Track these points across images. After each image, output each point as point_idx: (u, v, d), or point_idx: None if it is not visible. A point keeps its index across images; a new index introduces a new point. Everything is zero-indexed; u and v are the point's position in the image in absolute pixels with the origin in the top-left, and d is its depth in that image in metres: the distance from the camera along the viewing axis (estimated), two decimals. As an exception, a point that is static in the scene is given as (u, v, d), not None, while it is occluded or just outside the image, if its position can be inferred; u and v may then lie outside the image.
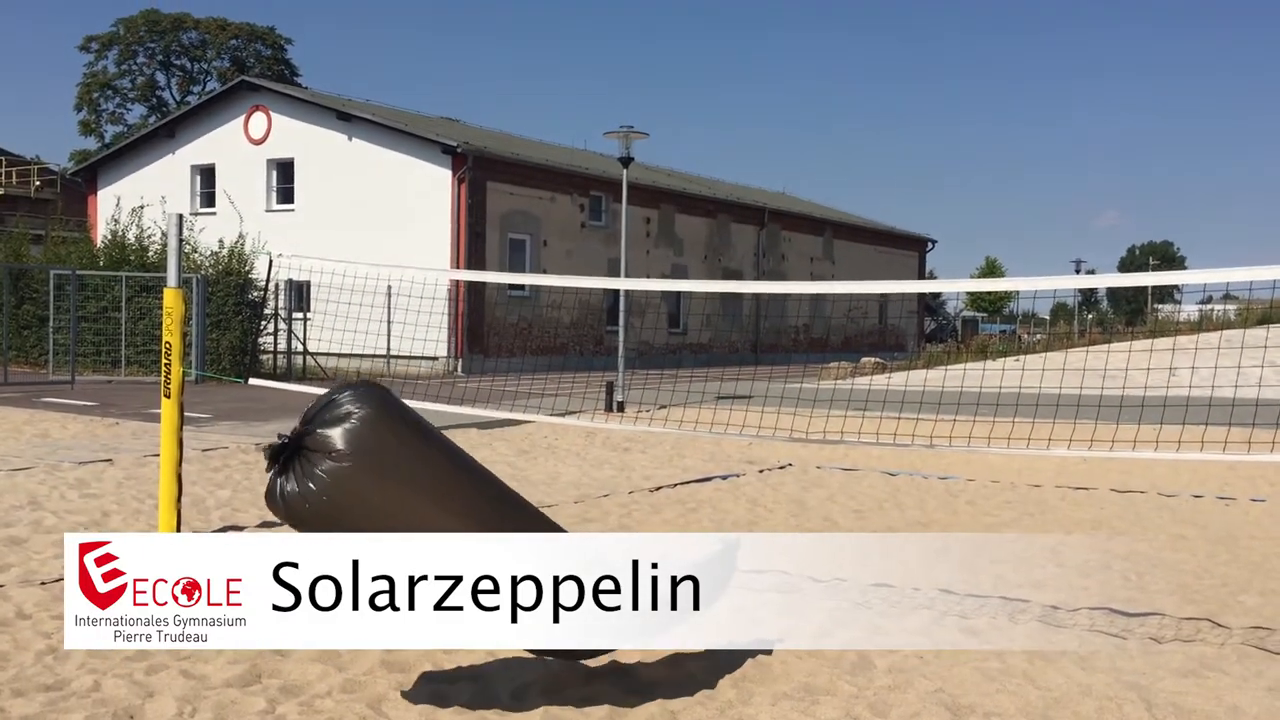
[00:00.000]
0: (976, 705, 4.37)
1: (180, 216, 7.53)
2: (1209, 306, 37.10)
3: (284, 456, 3.83)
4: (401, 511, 3.85)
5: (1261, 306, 27.55)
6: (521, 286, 31.71)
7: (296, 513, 3.81)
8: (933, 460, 12.22)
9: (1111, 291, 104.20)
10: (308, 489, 3.77)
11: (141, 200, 26.81)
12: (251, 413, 15.83)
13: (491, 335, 30.76)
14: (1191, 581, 6.74)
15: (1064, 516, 9.01)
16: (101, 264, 25.11)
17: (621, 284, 7.18)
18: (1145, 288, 71.44)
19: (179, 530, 7.18)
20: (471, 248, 29.99)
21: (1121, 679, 4.73)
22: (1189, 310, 42.15)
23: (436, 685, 4.45)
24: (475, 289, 30.19)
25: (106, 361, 23.74)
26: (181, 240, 7.47)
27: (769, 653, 4.91)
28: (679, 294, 38.25)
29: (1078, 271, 57.03)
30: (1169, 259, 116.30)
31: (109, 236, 26.19)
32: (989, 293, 79.46)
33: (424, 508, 3.90)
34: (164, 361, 7.26)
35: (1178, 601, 6.23)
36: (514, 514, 4.24)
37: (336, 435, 3.78)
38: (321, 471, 3.76)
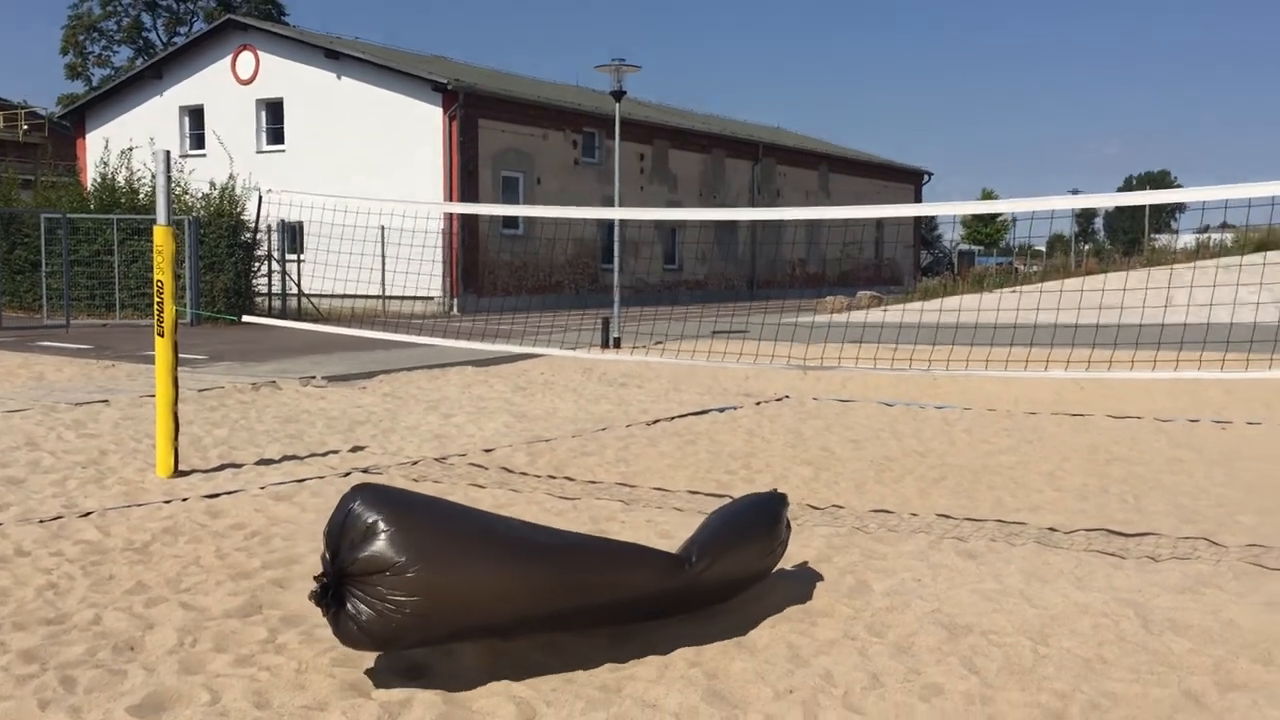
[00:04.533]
0: (974, 624, 4.39)
1: (168, 153, 7.44)
2: (1205, 235, 36.91)
3: (332, 593, 3.67)
4: (484, 578, 3.77)
5: (1259, 233, 27.42)
6: (515, 225, 31.54)
7: (385, 634, 3.66)
8: (930, 390, 12.22)
9: (1108, 222, 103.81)
10: (388, 610, 3.60)
11: (130, 142, 26.52)
12: (248, 353, 15.80)
13: (486, 274, 30.65)
14: (1188, 502, 6.77)
15: (1061, 442, 9.02)
16: (92, 207, 24.92)
17: (615, 213, 7.10)
18: (1143, 218, 71.24)
19: (177, 468, 7.19)
20: (464, 186, 29.76)
21: (1118, 597, 4.75)
22: (1186, 239, 41.98)
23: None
24: (469, 228, 30.02)
25: (101, 305, 23.65)
26: (170, 178, 7.39)
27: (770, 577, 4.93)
28: (674, 231, 38.07)
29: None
30: (1166, 188, 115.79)
31: (99, 180, 25.96)
32: (985, 226, 79.10)
33: (496, 564, 3.81)
34: (157, 300, 7.21)
35: (1174, 522, 6.25)
36: (563, 533, 4.31)
37: (383, 550, 3.60)
38: (390, 588, 3.60)
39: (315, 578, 3.71)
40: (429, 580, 3.60)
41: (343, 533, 3.68)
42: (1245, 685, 3.82)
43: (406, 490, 4.02)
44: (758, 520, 4.72)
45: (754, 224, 41.36)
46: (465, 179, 29.87)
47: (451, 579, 3.67)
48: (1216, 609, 4.59)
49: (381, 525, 3.63)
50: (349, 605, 3.63)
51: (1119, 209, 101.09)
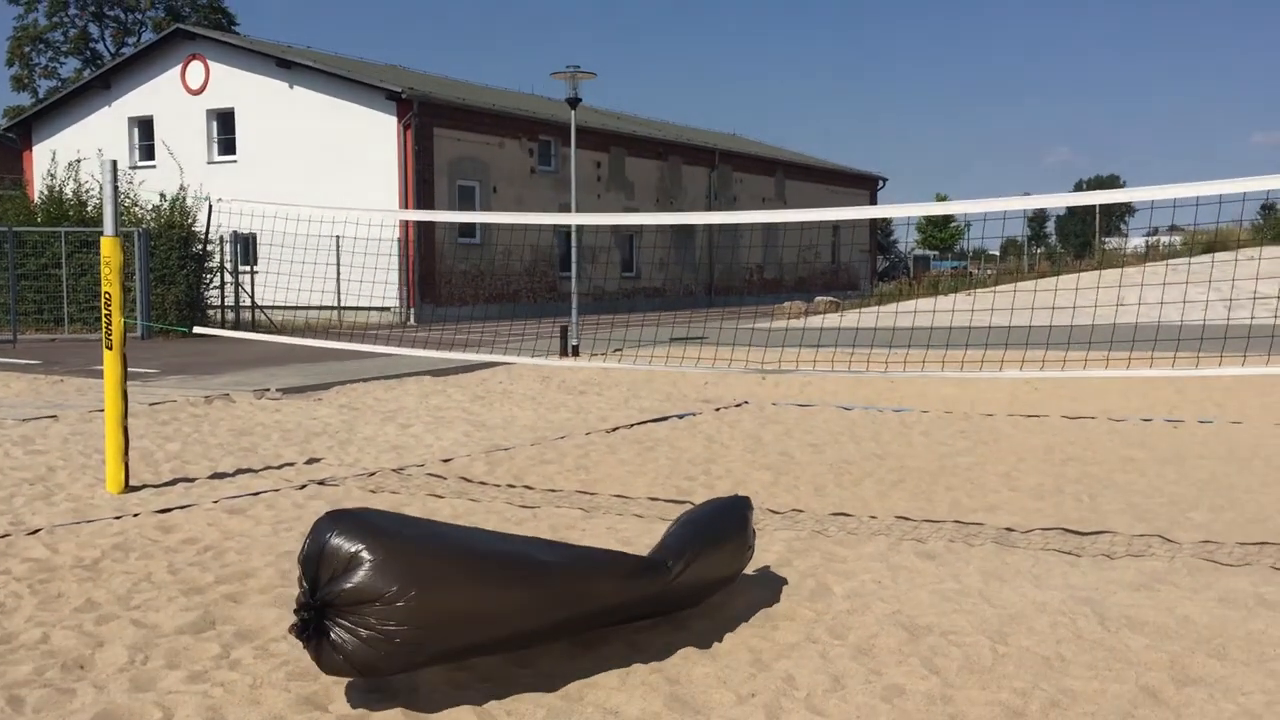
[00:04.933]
0: (934, 625, 4.40)
1: (114, 163, 7.31)
2: (1155, 238, 37.51)
3: (313, 625, 3.52)
4: (473, 599, 3.68)
5: (1206, 235, 27.89)
6: (472, 233, 31.41)
7: (373, 662, 3.53)
8: (887, 394, 12.29)
9: (1060, 226, 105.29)
10: (377, 639, 3.48)
11: (78, 154, 26.12)
12: (200, 366, 15.59)
13: (443, 283, 30.49)
14: (1141, 501, 6.84)
15: (1017, 443, 9.10)
16: (39, 220, 24.51)
17: (572, 219, 7.08)
18: (1093, 221, 72.39)
19: (128, 484, 7.07)
20: (420, 195, 29.59)
21: (1075, 595, 4.79)
22: (1136, 242, 42.65)
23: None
24: (425, 238, 29.86)
25: (49, 320, 23.25)
26: (117, 188, 7.27)
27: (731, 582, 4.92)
28: (631, 238, 38.11)
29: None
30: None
31: (46, 192, 25.53)
32: (940, 231, 79.92)
33: (485, 584, 3.72)
34: (105, 312, 7.09)
35: (1129, 520, 6.32)
36: (545, 543, 4.31)
37: (370, 580, 3.48)
38: (380, 618, 3.48)
39: (295, 610, 3.57)
40: (420, 607, 3.50)
41: (322, 563, 3.53)
42: (1201, 680, 3.85)
43: (381, 512, 3.87)
44: (727, 523, 4.72)
45: (711, 230, 41.50)
46: (421, 188, 29.70)
47: (442, 603, 3.57)
48: (1171, 605, 4.64)
49: (366, 554, 3.50)
50: (334, 635, 3.50)
51: (1070, 212, 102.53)
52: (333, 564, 3.52)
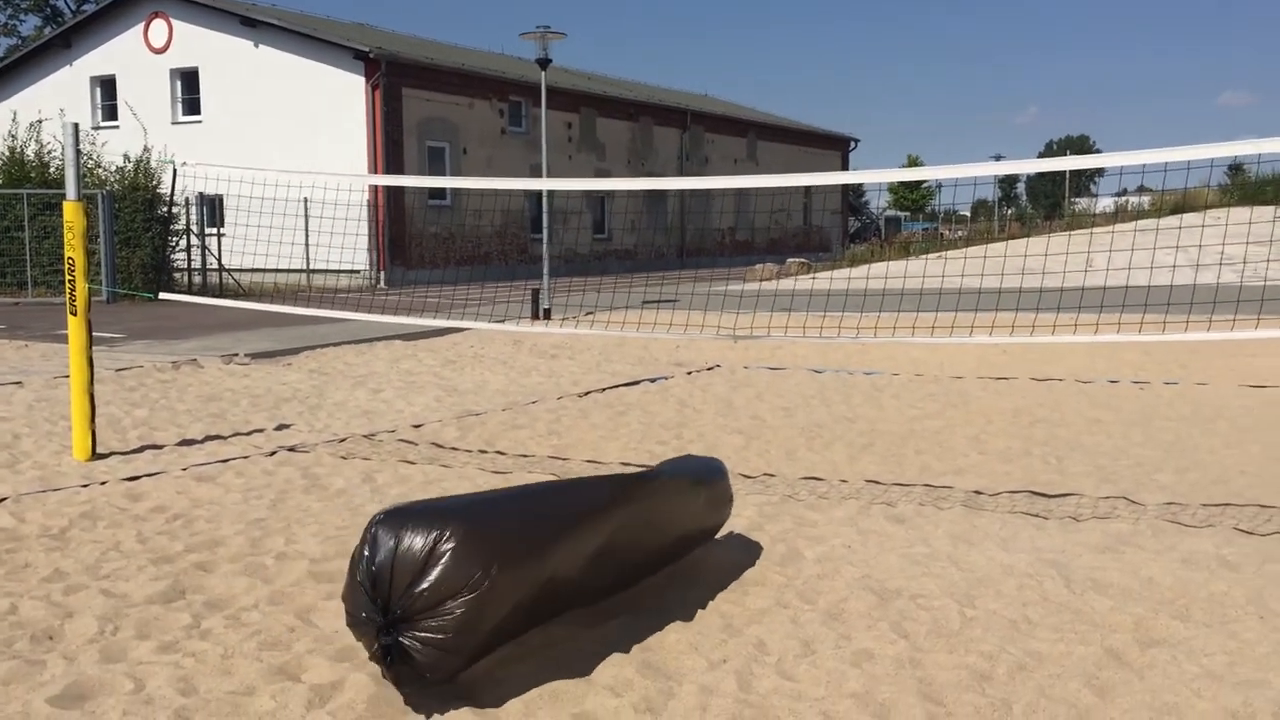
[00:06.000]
0: (903, 588, 4.45)
1: (76, 125, 7.19)
2: (1124, 198, 37.74)
3: (394, 645, 3.30)
4: (547, 567, 3.59)
5: (1174, 197, 28.07)
6: (442, 195, 31.17)
7: (453, 663, 3.34)
8: (858, 357, 12.33)
9: (1030, 187, 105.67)
10: (458, 638, 3.29)
11: (40, 114, 25.67)
12: (166, 331, 15.44)
13: (414, 246, 30.28)
14: (1108, 463, 6.92)
15: (986, 406, 9.17)
16: (1, 182, 24.11)
17: (543, 184, 7.03)
18: (1063, 182, 72.74)
19: (95, 451, 7.01)
20: (389, 156, 29.31)
21: (1042, 557, 4.84)
22: (1105, 203, 42.91)
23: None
24: (395, 200, 29.61)
25: (12, 283, 22.95)
26: (79, 151, 7.15)
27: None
28: (603, 200, 37.94)
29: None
30: (1085, 152, 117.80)
31: (7, 153, 25.11)
32: (912, 192, 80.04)
33: (556, 545, 3.65)
34: (68, 278, 7.00)
35: (1095, 482, 6.39)
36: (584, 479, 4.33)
37: (453, 571, 3.28)
38: (462, 612, 3.28)
39: (376, 635, 3.32)
40: (499, 586, 3.36)
41: (395, 572, 3.30)
42: (1165, 641, 3.91)
43: (427, 501, 3.68)
44: (709, 470, 4.80)
45: (683, 192, 41.36)
46: (390, 149, 29.41)
47: (521, 577, 3.46)
48: (1136, 567, 4.70)
49: (441, 545, 3.31)
50: (410, 648, 3.29)
51: (1040, 173, 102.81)
52: (408, 568, 3.29)
